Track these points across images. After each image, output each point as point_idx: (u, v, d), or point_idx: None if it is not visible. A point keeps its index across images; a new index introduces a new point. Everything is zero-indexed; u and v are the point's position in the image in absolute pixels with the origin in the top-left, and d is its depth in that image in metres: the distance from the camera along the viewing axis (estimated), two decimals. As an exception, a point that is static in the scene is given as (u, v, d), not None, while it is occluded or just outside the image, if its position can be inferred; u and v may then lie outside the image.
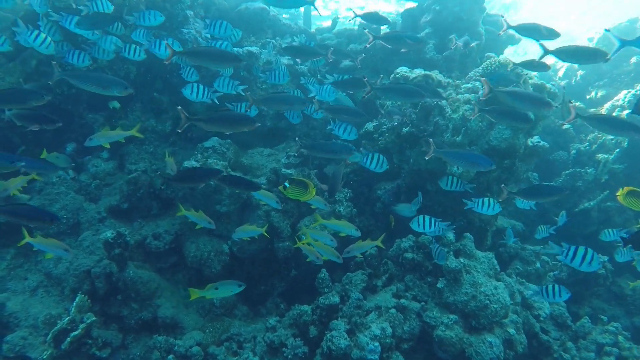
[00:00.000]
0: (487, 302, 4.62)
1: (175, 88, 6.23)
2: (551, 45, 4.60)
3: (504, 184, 4.74)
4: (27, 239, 4.30)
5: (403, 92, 4.66)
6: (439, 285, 4.78)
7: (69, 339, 4.39)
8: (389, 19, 6.60)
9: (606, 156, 7.30)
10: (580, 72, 10.57)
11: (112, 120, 5.91)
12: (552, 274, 6.46)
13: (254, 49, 6.03)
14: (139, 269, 5.12)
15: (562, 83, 10.35)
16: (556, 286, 4.61)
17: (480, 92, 5.06)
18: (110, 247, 4.90)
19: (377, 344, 4.40)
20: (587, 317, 5.78)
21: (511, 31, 5.16)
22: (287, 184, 4.72)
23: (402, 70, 5.63)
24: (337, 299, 4.88)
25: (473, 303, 4.63)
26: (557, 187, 4.81)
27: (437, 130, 5.10)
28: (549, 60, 4.85)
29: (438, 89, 5.03)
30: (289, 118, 6.00)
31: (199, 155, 5.38)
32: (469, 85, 5.22)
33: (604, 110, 8.49)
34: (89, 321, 4.54)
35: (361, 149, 6.10)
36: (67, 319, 4.47)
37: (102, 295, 4.99)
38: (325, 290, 5.01)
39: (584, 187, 7.40)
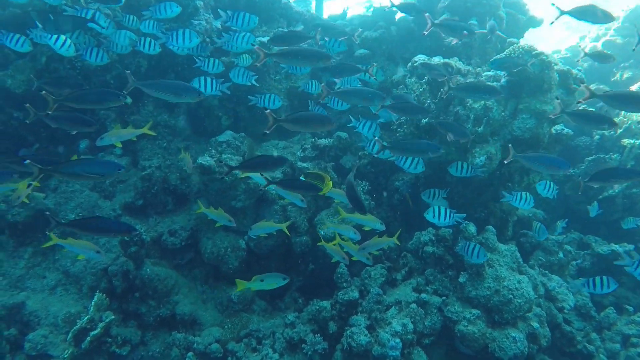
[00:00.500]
0: (511, 296, 4.50)
1: (187, 81, 6.12)
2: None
3: (581, 178, 4.55)
4: (55, 240, 4.28)
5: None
6: (461, 279, 4.67)
7: (88, 338, 4.40)
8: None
9: (632, 141, 7.06)
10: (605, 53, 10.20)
11: (124, 115, 5.85)
12: (574, 263, 6.32)
13: (265, 39, 5.88)
14: (156, 266, 5.09)
15: (584, 65, 10.00)
16: (604, 278, 4.46)
17: (503, 80, 4.89)
18: (126, 245, 4.88)
19: (398, 340, 4.33)
20: (611, 308, 5.64)
21: (532, 13, 4.96)
22: (302, 179, 4.63)
23: (421, 58, 5.45)
24: (356, 294, 4.82)
25: (496, 298, 4.52)
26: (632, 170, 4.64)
27: (457, 121, 4.93)
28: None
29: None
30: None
31: (213, 151, 5.30)
32: (491, 73, 5.04)
33: (628, 92, 8.20)
34: (107, 320, 4.54)
35: (377, 137, 5.97)
36: (86, 318, 4.47)
37: (119, 293, 4.98)
38: (344, 285, 4.94)
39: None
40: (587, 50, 8.71)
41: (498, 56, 4.80)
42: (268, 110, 3.80)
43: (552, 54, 7.92)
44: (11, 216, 5.07)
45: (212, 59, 5.37)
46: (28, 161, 3.51)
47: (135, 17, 5.19)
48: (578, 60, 8.21)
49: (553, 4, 4.76)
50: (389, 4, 5.83)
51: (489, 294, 4.54)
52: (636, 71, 9.30)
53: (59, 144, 5.69)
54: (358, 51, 7.12)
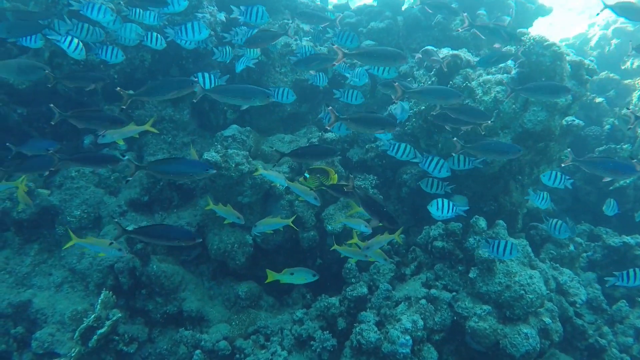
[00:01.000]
0: (522, 292, 4.44)
1: (191, 75, 6.05)
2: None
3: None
4: (75, 240, 4.27)
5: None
6: (471, 275, 4.61)
7: (95, 337, 4.37)
8: None
9: (645, 131, 6.94)
10: (614, 41, 10.03)
11: (129, 110, 5.77)
12: (585, 255, 6.24)
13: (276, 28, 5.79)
14: (162, 263, 5.05)
15: (594, 53, 9.84)
16: (637, 270, 4.36)
17: (514, 72, 4.78)
18: (132, 242, 4.83)
19: (408, 337, 4.28)
20: (623, 301, 5.57)
21: (541, 1, 4.86)
22: (307, 175, 4.57)
23: (429, 49, 5.34)
24: (365, 290, 4.77)
25: (507, 293, 4.46)
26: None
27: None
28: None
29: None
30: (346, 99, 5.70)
31: (219, 146, 5.22)
32: (501, 64, 4.93)
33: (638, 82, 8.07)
34: (114, 318, 4.51)
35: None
36: (92, 316, 4.43)
37: (126, 290, 4.95)
38: (353, 280, 4.90)
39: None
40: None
41: (509, 48, 4.69)
42: (330, 107, 3.83)
43: (559, 42, 7.79)
44: (16, 213, 5.03)
45: (228, 47, 5.35)
46: (127, 157, 3.66)
47: (141, 10, 5.11)
48: None
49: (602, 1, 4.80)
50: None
51: (500, 290, 4.48)
52: (647, 59, 9.15)
53: (63, 139, 5.64)
54: (364, 42, 7.00)
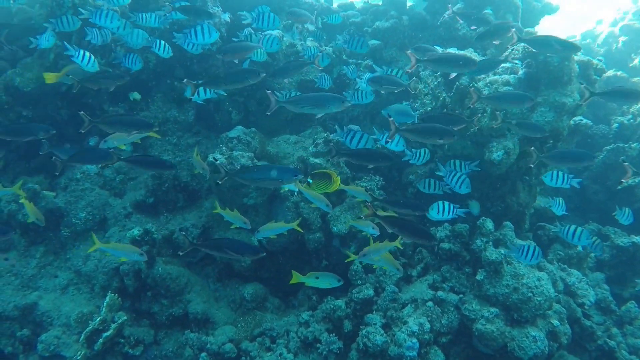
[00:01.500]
0: (530, 294, 4.39)
1: (197, 76, 6.03)
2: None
3: None
4: (98, 244, 4.30)
5: None
6: (479, 277, 4.56)
7: (101, 340, 4.37)
8: None
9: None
10: (622, 39, 9.92)
11: (134, 112, 5.77)
12: (593, 255, 6.18)
13: (275, 32, 5.75)
14: (168, 265, 5.03)
15: (601, 51, 9.75)
16: None
17: (521, 72, 4.73)
18: (137, 245, 4.81)
19: (415, 340, 4.25)
20: (633, 302, 5.51)
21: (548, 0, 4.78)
22: (310, 180, 4.53)
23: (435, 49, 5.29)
24: (371, 292, 4.74)
25: (515, 296, 4.41)
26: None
27: (473, 115, 4.79)
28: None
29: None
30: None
31: (224, 147, 5.20)
32: (508, 64, 4.88)
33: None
34: (120, 321, 4.51)
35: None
36: (98, 319, 4.43)
37: (132, 292, 4.95)
38: (359, 282, 4.86)
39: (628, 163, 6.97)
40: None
41: (516, 47, 4.64)
42: (391, 118, 3.87)
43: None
44: (22, 215, 5.04)
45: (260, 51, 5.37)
46: (218, 162, 3.99)
47: (147, 15, 5.10)
48: None
49: None
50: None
51: (508, 292, 4.43)
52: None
53: (67, 141, 5.64)
54: (370, 42, 6.95)
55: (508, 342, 4.35)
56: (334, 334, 4.56)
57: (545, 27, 8.05)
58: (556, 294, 4.73)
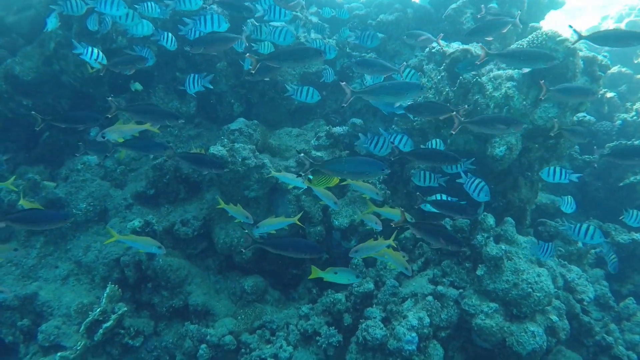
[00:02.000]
0: (530, 290, 4.39)
1: (199, 66, 6.00)
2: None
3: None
4: (116, 237, 4.32)
5: None
6: (479, 272, 4.56)
7: (101, 331, 4.37)
8: None
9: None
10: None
11: (135, 102, 5.74)
12: (593, 251, 6.18)
13: (278, 24, 5.71)
14: (168, 256, 5.02)
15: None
16: None
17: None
18: (139, 234, 4.82)
19: (414, 334, 4.25)
20: (631, 298, 5.54)
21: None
22: (310, 177, 4.51)
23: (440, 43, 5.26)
24: (371, 286, 4.75)
25: (515, 291, 4.41)
26: None
27: (476, 110, 4.76)
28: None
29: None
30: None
31: (225, 140, 5.18)
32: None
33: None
34: (120, 312, 4.51)
35: (393, 126, 5.83)
36: (98, 310, 4.44)
37: (132, 283, 4.95)
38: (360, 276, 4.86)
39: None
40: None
41: (521, 42, 4.61)
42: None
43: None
44: (22, 206, 5.02)
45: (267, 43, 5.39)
46: (302, 156, 3.77)
47: (152, 4, 5.06)
48: None
49: None
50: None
51: (508, 288, 4.43)
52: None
53: (68, 132, 5.62)
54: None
55: (507, 337, 4.36)
56: (333, 327, 4.57)
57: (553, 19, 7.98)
58: (556, 290, 4.74)
